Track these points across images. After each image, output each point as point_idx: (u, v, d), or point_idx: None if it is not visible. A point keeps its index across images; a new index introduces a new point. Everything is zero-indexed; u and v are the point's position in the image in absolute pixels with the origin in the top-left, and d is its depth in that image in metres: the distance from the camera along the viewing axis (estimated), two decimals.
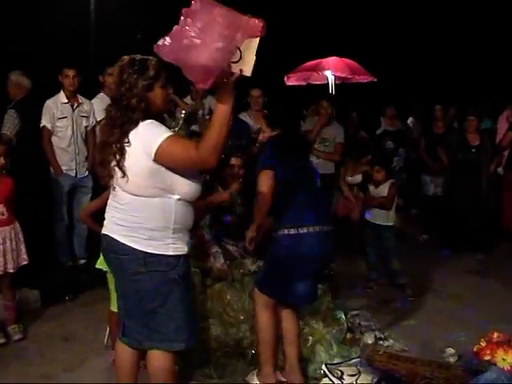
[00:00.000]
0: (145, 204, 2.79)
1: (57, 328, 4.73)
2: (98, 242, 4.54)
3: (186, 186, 2.83)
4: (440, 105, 8.38)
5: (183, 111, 6.13)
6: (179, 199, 2.83)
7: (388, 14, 14.03)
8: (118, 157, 2.75)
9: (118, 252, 2.87)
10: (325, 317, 4.28)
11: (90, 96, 6.26)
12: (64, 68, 5.91)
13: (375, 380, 3.02)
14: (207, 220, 4.77)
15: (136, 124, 2.75)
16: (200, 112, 6.89)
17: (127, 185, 2.79)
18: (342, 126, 7.45)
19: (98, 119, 6.10)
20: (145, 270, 2.80)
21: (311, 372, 3.89)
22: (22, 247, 4.47)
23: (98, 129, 6.17)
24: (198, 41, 2.45)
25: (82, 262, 6.14)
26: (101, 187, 5.28)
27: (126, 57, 2.85)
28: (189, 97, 7.04)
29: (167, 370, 2.94)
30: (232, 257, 4.59)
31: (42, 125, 5.85)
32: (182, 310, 2.87)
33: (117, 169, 2.77)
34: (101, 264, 3.85)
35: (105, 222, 2.99)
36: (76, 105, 5.99)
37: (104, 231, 2.96)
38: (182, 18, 2.52)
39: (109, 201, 2.99)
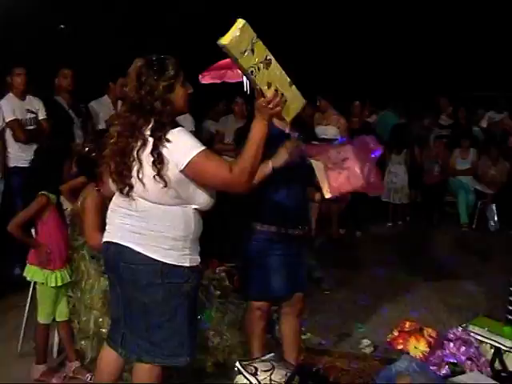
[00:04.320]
0: (167, 213, 2.68)
1: None
2: (9, 250, 4.42)
3: (204, 197, 2.73)
4: (358, 101, 8.58)
5: None
6: (195, 209, 2.74)
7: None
8: (138, 165, 2.61)
9: (133, 262, 2.70)
10: (241, 326, 4.06)
11: None
12: None
13: (289, 374, 3.07)
14: None
15: (164, 129, 2.59)
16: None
17: (147, 192, 2.65)
18: None
19: (7, 120, 5.90)
20: (160, 281, 2.67)
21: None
22: None
23: (7, 131, 5.98)
24: None
25: None
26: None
27: (140, 58, 2.67)
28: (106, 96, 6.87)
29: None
30: None
31: None
32: (188, 324, 2.76)
33: (136, 177, 2.63)
34: (34, 276, 3.69)
35: (109, 229, 2.83)
36: None
37: (111, 239, 2.78)
38: None
39: (115, 207, 2.82)
